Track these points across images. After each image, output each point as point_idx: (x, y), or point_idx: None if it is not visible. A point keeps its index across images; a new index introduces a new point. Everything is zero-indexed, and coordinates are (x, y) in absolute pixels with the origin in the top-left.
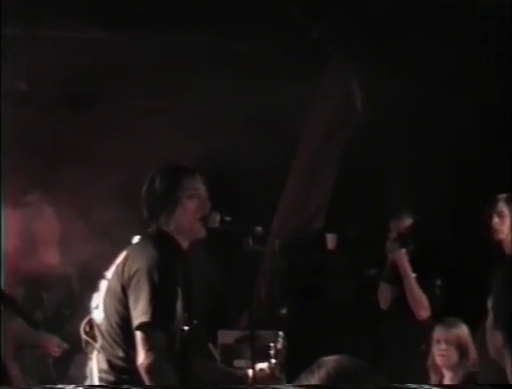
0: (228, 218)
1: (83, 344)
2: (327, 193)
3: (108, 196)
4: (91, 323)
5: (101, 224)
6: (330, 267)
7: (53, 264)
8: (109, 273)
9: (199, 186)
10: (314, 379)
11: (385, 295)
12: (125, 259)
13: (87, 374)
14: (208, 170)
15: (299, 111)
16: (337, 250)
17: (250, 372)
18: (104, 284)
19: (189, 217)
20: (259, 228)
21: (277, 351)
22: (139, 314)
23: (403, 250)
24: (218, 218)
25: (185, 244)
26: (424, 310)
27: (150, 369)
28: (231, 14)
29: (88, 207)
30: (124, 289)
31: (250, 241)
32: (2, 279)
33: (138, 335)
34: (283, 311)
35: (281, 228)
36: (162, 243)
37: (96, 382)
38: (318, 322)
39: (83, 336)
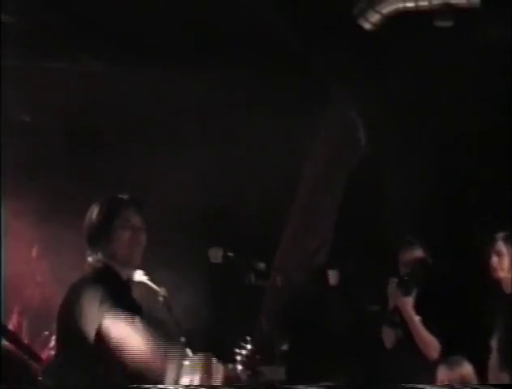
0: (230, 253)
1: None
2: (330, 228)
3: None
4: None
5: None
6: (332, 303)
7: None
8: None
9: (133, 218)
10: None
11: (388, 336)
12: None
13: None
14: (210, 205)
15: (301, 146)
16: (339, 286)
17: None
18: None
19: (123, 245)
20: (262, 264)
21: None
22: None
23: (408, 298)
24: (220, 253)
25: (124, 274)
26: (433, 351)
27: None
28: (229, 50)
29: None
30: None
31: (253, 277)
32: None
33: None
34: (285, 347)
35: (283, 263)
36: (100, 274)
37: None
38: (319, 357)
39: None
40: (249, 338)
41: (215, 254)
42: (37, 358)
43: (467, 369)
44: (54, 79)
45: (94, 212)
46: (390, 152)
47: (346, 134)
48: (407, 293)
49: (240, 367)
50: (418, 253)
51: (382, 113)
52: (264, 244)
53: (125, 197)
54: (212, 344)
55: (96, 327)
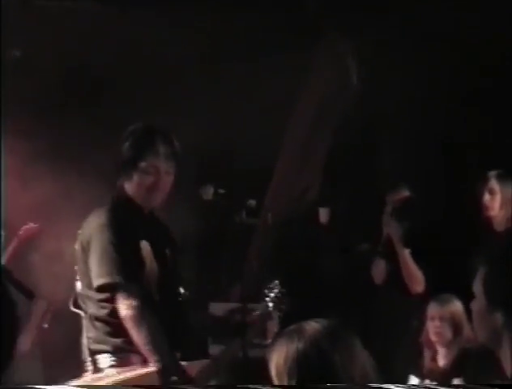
0: (221, 191)
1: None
2: (321, 166)
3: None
4: (75, 295)
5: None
6: (323, 241)
7: None
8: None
9: (160, 164)
10: (294, 345)
11: (379, 270)
12: (84, 223)
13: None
14: (202, 143)
15: (293, 86)
16: (330, 224)
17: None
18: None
19: (141, 188)
20: (252, 201)
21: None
22: (95, 276)
23: (399, 225)
24: (211, 191)
25: (145, 208)
26: (418, 285)
27: (130, 320)
28: None
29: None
30: (83, 254)
31: (243, 214)
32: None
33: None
34: (275, 284)
35: (274, 201)
36: (119, 204)
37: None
38: (309, 296)
39: (73, 309)
40: (277, 281)
41: (207, 191)
42: (30, 295)
43: (456, 306)
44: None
45: (125, 146)
46: (382, 94)
47: (338, 74)
48: (399, 220)
49: (271, 305)
50: (406, 193)
51: (377, 54)
52: (255, 182)
53: (158, 136)
54: (205, 281)
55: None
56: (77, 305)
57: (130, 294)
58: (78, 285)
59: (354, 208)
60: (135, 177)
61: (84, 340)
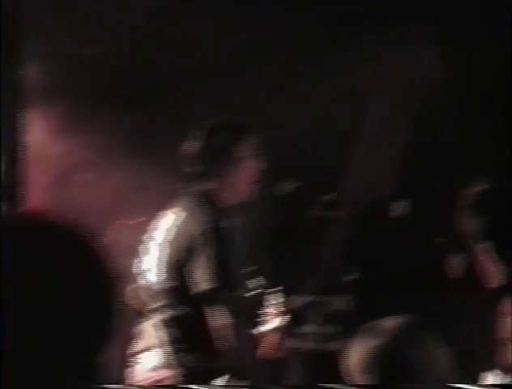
0: (297, 185)
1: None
2: (395, 160)
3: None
4: (136, 288)
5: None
6: (398, 235)
7: None
8: (157, 235)
9: (255, 149)
10: (372, 342)
11: (454, 264)
12: (176, 222)
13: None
14: (277, 137)
15: (367, 76)
16: (405, 218)
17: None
18: (153, 246)
19: (243, 179)
20: (329, 195)
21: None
22: (199, 280)
23: (475, 219)
24: (288, 185)
25: (229, 204)
26: (494, 280)
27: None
28: None
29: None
30: (178, 254)
31: (320, 208)
32: None
33: (202, 300)
34: (350, 278)
35: (350, 195)
36: (210, 205)
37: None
38: (385, 292)
39: (129, 302)
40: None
41: (283, 186)
42: None
43: None
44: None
45: (213, 138)
46: (460, 81)
47: (415, 66)
48: (475, 214)
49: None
50: (482, 186)
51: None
52: (331, 176)
53: (248, 125)
54: (280, 276)
55: None
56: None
57: (227, 302)
58: (151, 277)
59: (429, 202)
60: (233, 168)
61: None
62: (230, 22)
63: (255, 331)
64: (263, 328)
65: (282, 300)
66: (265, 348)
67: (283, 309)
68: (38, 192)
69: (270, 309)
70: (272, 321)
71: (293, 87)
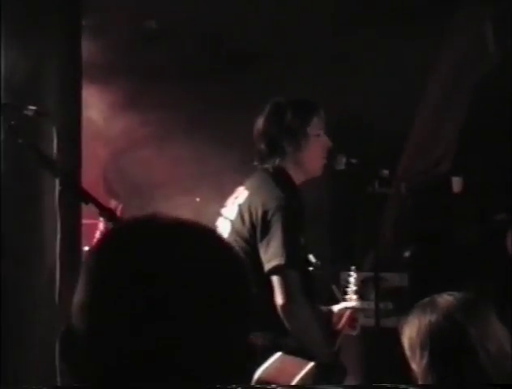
0: (354, 160)
1: None
2: (455, 136)
3: None
4: None
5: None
6: (457, 211)
7: None
8: (228, 211)
9: (324, 126)
10: (427, 318)
11: None
12: (249, 198)
13: None
14: (337, 113)
15: (429, 54)
16: (464, 194)
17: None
18: (223, 223)
19: (315, 156)
20: (386, 171)
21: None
22: (272, 256)
23: None
24: (344, 160)
25: (299, 181)
26: None
27: (288, 310)
28: None
29: None
30: (251, 230)
31: (376, 184)
32: None
33: (273, 277)
34: (408, 254)
35: (407, 170)
36: (285, 181)
37: None
38: (443, 266)
39: None
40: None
41: (339, 161)
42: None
43: None
44: None
45: (285, 115)
46: None
47: (476, 43)
48: None
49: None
50: None
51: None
52: (388, 151)
53: (317, 103)
54: (338, 252)
55: None
56: None
57: (292, 283)
58: None
59: (488, 178)
60: (307, 144)
61: None
62: None
63: (328, 308)
64: (340, 306)
65: (355, 277)
66: (342, 326)
67: (355, 287)
68: (96, 168)
69: (347, 288)
70: (349, 299)
71: (348, 64)
